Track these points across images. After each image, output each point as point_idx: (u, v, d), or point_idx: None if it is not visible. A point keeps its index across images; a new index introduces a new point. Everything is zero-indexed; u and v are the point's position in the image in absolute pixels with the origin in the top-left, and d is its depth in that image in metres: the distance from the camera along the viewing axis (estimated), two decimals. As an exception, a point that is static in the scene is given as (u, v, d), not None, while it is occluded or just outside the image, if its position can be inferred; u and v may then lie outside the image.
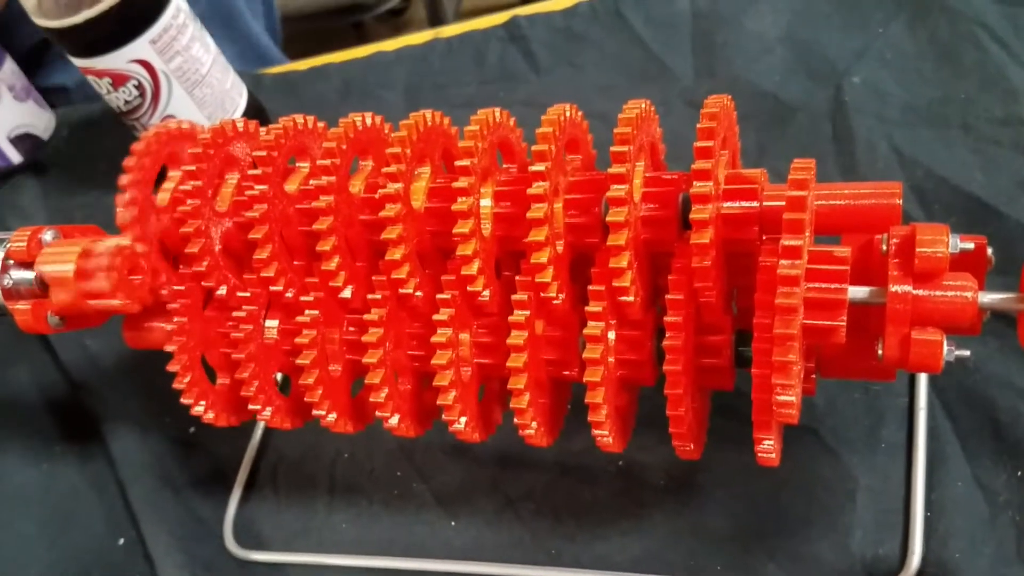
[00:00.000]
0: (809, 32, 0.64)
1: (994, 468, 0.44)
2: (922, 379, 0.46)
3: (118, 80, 0.63)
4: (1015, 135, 0.53)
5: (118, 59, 0.61)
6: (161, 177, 0.45)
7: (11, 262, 0.43)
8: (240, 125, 0.43)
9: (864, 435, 0.46)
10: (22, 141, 0.75)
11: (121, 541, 0.55)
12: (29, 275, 0.42)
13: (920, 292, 0.31)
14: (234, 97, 0.69)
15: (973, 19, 0.59)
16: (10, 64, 0.72)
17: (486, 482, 0.51)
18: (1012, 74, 0.56)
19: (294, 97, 0.77)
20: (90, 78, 0.64)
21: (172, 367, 0.43)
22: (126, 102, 0.64)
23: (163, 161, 0.44)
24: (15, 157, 0.76)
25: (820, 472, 0.46)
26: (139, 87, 0.63)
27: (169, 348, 0.43)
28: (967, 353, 0.32)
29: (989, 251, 0.34)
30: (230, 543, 0.53)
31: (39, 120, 0.76)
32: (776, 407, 0.32)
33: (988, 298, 0.32)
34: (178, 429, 0.59)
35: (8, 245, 0.43)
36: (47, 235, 0.43)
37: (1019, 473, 0.43)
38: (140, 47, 0.61)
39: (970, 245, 0.32)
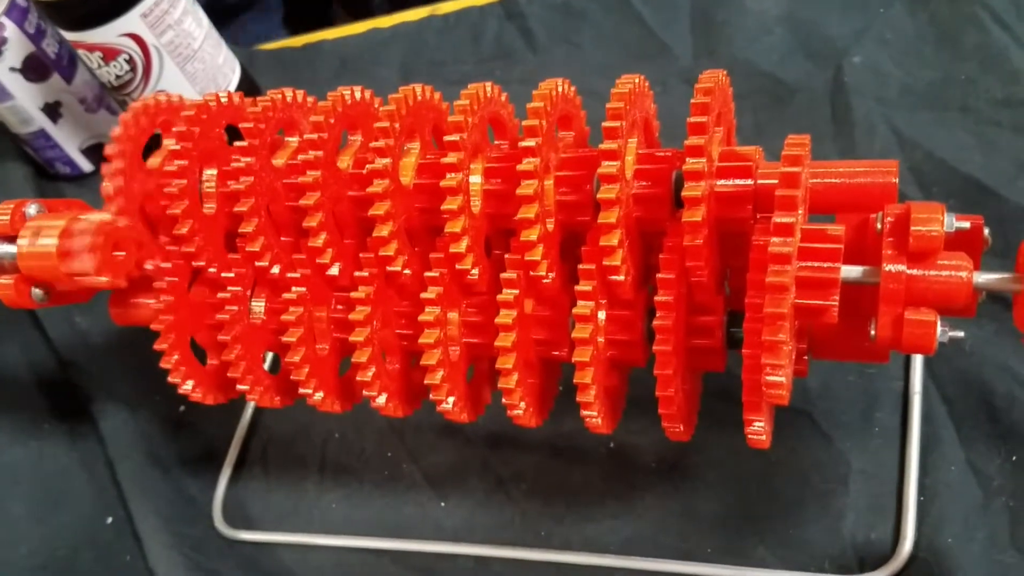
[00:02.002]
0: (809, 12, 0.63)
1: (988, 453, 0.43)
2: (917, 362, 0.46)
3: (109, 54, 0.62)
4: (1015, 117, 0.53)
5: (108, 33, 0.61)
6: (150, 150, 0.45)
7: (-6, 236, 0.42)
8: (224, 98, 0.42)
9: (858, 419, 0.46)
10: (94, 150, 0.75)
11: (110, 520, 0.55)
12: (12, 249, 0.41)
13: (914, 272, 0.31)
14: (227, 73, 0.68)
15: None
16: (82, 75, 0.71)
17: (477, 463, 0.51)
18: (1013, 55, 0.55)
19: (288, 74, 0.76)
20: (80, 52, 0.63)
21: (159, 345, 0.43)
22: (117, 77, 0.63)
23: (150, 135, 0.44)
24: (87, 166, 0.76)
25: (813, 455, 0.45)
26: (130, 61, 0.62)
27: (156, 327, 0.42)
28: (961, 334, 0.32)
29: (986, 231, 0.33)
30: (219, 522, 0.53)
31: (111, 128, 0.75)
32: (766, 388, 0.31)
33: (983, 278, 0.31)
34: (168, 408, 0.58)
35: (-9, 219, 0.42)
36: (31, 208, 0.42)
37: (1013, 458, 0.43)
38: (131, 21, 0.60)
39: (966, 224, 0.32)
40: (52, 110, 0.70)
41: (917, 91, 0.56)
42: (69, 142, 0.73)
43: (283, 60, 0.78)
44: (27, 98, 0.69)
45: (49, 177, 0.76)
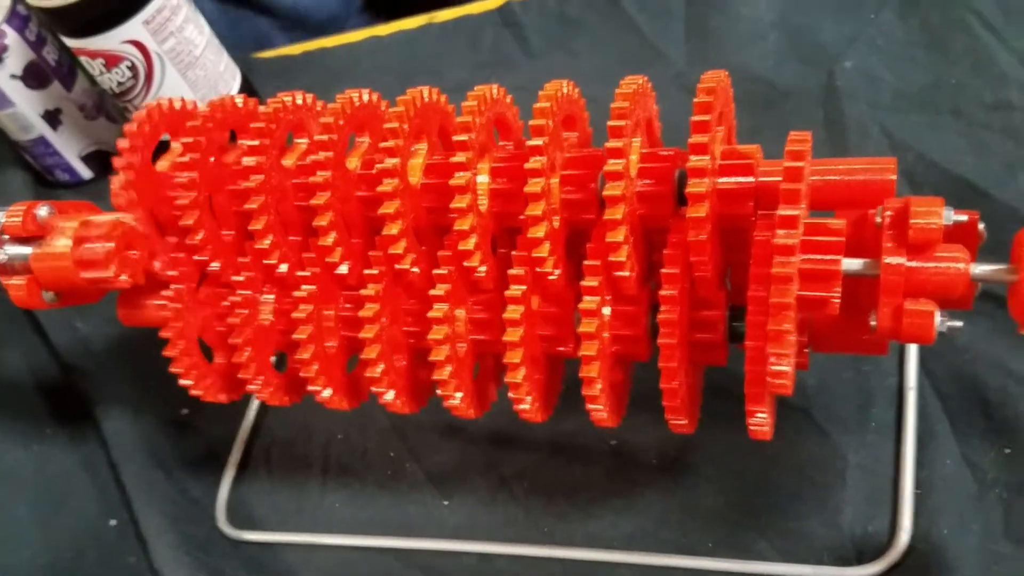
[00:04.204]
0: (802, 18, 0.64)
1: (982, 446, 0.44)
2: (912, 359, 0.47)
3: (111, 61, 0.63)
4: (1005, 119, 0.54)
5: (111, 40, 0.61)
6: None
7: (6, 237, 0.42)
8: (239, 101, 0.43)
9: (854, 414, 0.47)
10: (93, 158, 0.75)
11: (113, 522, 0.55)
12: (25, 250, 0.42)
13: (913, 263, 0.32)
14: (227, 80, 0.69)
15: (964, 5, 0.60)
16: (81, 83, 0.72)
17: (479, 462, 0.52)
18: (1002, 59, 0.56)
19: (287, 81, 0.77)
20: (82, 59, 0.64)
21: (167, 347, 0.43)
22: (119, 83, 0.64)
23: (159, 138, 0.44)
24: (86, 173, 0.76)
25: (810, 450, 0.46)
26: (132, 68, 0.63)
27: (165, 334, 0.43)
28: (959, 324, 0.32)
29: (980, 226, 0.34)
30: (223, 523, 0.53)
31: (111, 136, 0.75)
32: (771, 378, 0.32)
33: (980, 269, 0.32)
34: (170, 410, 0.58)
35: (2, 220, 0.42)
36: (42, 210, 0.43)
37: (1007, 451, 0.43)
38: (133, 28, 0.61)
39: (963, 217, 0.33)
40: (52, 117, 0.71)
41: (909, 95, 0.58)
42: (69, 149, 0.73)
43: (282, 67, 0.78)
44: (27, 105, 0.69)
45: (48, 184, 0.76)
